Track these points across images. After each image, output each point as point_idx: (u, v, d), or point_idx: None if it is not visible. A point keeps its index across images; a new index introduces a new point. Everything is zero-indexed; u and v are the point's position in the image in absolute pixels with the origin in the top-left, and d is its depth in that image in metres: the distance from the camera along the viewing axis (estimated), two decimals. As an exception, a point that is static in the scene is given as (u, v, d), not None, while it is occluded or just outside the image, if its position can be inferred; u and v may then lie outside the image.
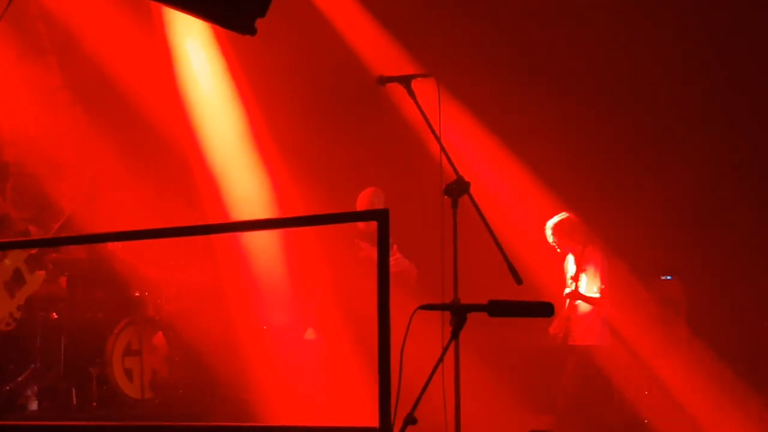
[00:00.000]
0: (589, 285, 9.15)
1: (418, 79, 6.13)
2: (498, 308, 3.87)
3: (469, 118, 10.65)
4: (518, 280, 5.58)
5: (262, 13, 2.96)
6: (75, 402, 9.08)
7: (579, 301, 9.14)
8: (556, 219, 9.25)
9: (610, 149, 10.75)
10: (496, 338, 9.51)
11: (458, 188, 5.79)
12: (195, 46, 10.33)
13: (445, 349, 4.03)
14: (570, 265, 9.36)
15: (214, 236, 9.53)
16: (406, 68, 9.84)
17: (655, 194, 10.29)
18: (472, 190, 5.84)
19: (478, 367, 8.48)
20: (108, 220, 9.04)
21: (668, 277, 10.04)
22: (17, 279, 8.61)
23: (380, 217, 3.79)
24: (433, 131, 5.90)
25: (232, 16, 2.94)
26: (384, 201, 8.82)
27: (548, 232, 9.26)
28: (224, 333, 9.76)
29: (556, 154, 10.56)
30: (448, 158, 5.90)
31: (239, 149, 10.39)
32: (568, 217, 9.27)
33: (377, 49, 10.62)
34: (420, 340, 4.80)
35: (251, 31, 2.97)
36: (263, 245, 9.93)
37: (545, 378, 9.79)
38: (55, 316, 9.27)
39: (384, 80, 6.23)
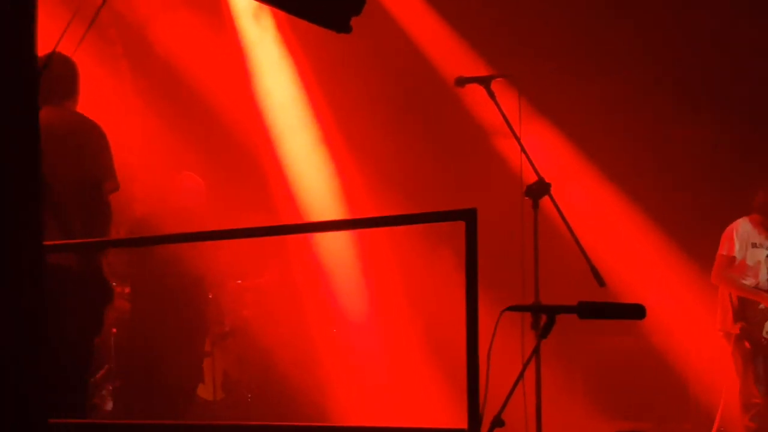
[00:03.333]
0: None
1: (497, 79, 6.12)
2: (588, 310, 3.82)
3: (545, 119, 10.58)
4: (601, 283, 5.53)
5: (357, 11, 2.96)
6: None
7: None
8: None
9: (696, 154, 10.57)
10: (574, 341, 9.45)
11: (539, 189, 5.76)
12: (266, 47, 10.35)
13: (533, 351, 4.00)
14: None
15: (287, 237, 9.55)
16: (479, 70, 9.82)
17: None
18: (551, 191, 5.81)
19: (556, 368, 8.44)
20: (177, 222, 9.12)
21: None
22: None
23: (467, 216, 3.76)
24: (513, 132, 5.88)
25: (328, 14, 2.93)
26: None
27: None
28: (296, 334, 9.77)
29: (635, 155, 10.45)
30: (529, 159, 5.87)
31: (312, 151, 10.41)
32: None
33: (448, 51, 10.59)
34: (497, 341, 4.78)
35: (347, 29, 2.98)
36: (336, 246, 9.93)
37: (625, 383, 9.72)
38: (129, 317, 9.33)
39: (463, 81, 6.20)
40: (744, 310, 8.67)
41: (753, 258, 8.74)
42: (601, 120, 10.54)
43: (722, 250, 8.83)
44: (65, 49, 4.78)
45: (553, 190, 5.91)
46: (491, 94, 5.98)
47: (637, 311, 3.80)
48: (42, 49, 2.60)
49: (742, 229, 8.80)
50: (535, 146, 10.36)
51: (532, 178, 5.87)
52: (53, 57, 6.00)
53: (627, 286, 9.39)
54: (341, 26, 2.92)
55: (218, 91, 9.97)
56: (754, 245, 8.76)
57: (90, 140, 6.09)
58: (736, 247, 8.75)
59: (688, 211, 9.94)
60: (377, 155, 10.40)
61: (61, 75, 6.25)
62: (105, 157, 6.07)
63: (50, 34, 3.32)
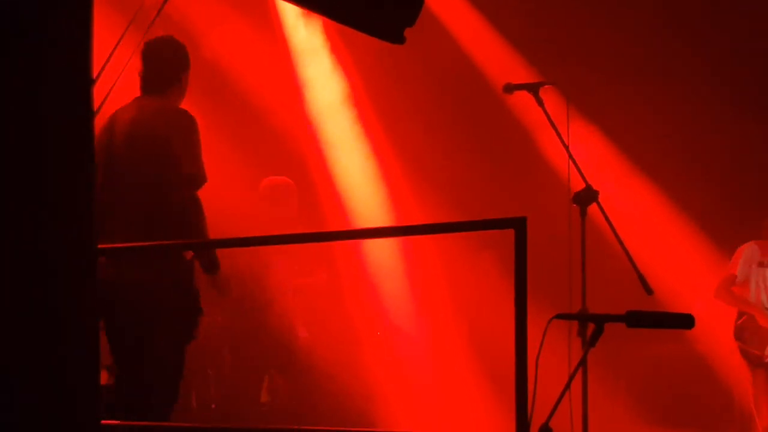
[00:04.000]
0: None
1: (546, 86, 6.13)
2: (637, 319, 3.81)
3: (594, 126, 10.56)
4: (648, 291, 5.53)
5: (411, 22, 2.98)
6: (195, 404, 9.20)
7: None
8: None
9: (746, 163, 10.50)
10: (619, 348, 9.41)
11: (587, 197, 5.77)
12: (316, 55, 10.39)
13: (582, 360, 4.00)
14: None
15: (333, 243, 9.57)
16: (527, 77, 9.82)
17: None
18: (599, 198, 5.82)
19: (601, 376, 8.41)
20: (227, 226, 9.16)
21: None
22: None
23: (517, 225, 3.77)
24: (561, 139, 5.89)
25: (382, 26, 2.96)
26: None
27: None
28: (342, 337, 9.79)
29: (684, 162, 10.40)
30: (577, 166, 5.87)
31: (360, 157, 10.44)
32: None
33: (497, 57, 10.60)
34: (544, 348, 4.78)
35: (400, 40, 3.00)
36: (383, 252, 9.95)
37: (670, 390, 9.69)
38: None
39: (511, 88, 6.23)
40: (741, 330, 8.92)
41: (756, 277, 8.93)
42: (650, 127, 10.51)
43: (728, 268, 9.06)
44: (120, 55, 4.76)
45: (601, 197, 5.91)
46: (539, 101, 6.00)
47: (685, 321, 3.80)
48: (97, 56, 2.63)
49: (749, 249, 8.99)
50: (584, 153, 10.47)
51: (580, 185, 5.87)
52: (155, 41, 6.10)
53: (674, 295, 9.36)
54: (395, 37, 2.94)
55: (267, 97, 10.02)
56: (760, 264, 8.96)
57: (169, 134, 5.78)
58: (740, 267, 8.93)
59: (736, 219, 9.86)
60: (425, 161, 10.41)
61: (163, 60, 6.14)
62: (183, 153, 5.75)
63: (106, 40, 3.36)
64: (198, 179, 5.75)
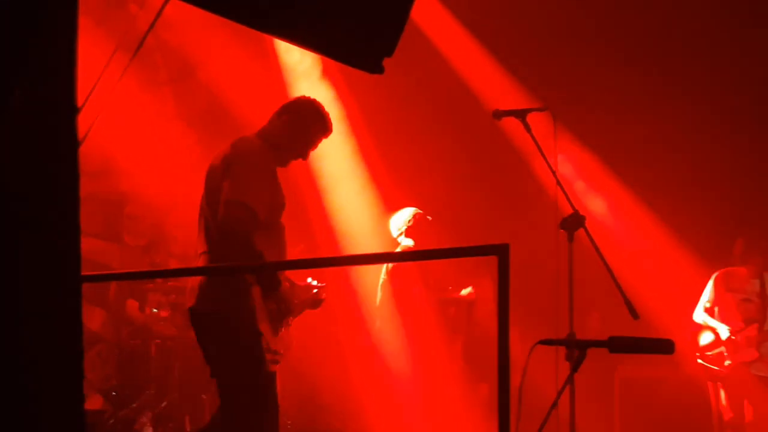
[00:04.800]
0: None
1: (534, 112, 6.17)
2: (619, 345, 3.85)
3: (585, 152, 10.62)
4: (635, 315, 5.54)
5: (389, 52, 2.99)
6: (188, 428, 9.21)
7: None
8: None
9: (739, 187, 10.55)
10: (609, 369, 9.46)
11: (574, 222, 5.79)
12: (309, 78, 10.44)
13: (564, 384, 4.03)
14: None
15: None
16: (520, 101, 9.88)
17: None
18: (587, 224, 5.84)
19: (592, 397, 8.41)
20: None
21: None
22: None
23: (500, 252, 3.80)
24: (549, 165, 5.91)
25: (360, 55, 2.97)
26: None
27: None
28: (332, 359, 9.82)
29: (674, 186, 10.45)
30: (564, 192, 5.90)
31: (352, 181, 10.48)
32: None
33: (491, 83, 10.65)
34: (533, 373, 4.80)
35: (379, 69, 3.01)
36: (375, 273, 9.98)
37: (659, 412, 9.72)
38: (170, 344, 9.42)
39: (499, 114, 6.27)
40: (703, 348, 9.43)
41: (725, 303, 9.39)
42: (642, 152, 10.56)
43: (703, 295, 9.54)
44: (109, 77, 4.78)
45: (591, 222, 5.95)
46: (527, 127, 6.03)
47: (666, 346, 3.84)
48: (85, 79, 2.65)
49: (720, 276, 9.49)
50: (572, 179, 10.52)
51: (568, 211, 5.91)
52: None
53: (664, 319, 9.41)
54: (373, 67, 2.95)
55: (261, 120, 10.05)
56: (728, 290, 9.40)
57: (235, 161, 5.89)
58: (709, 294, 9.48)
59: (728, 243, 9.92)
60: (419, 185, 10.45)
61: (284, 107, 6.34)
62: (238, 178, 5.79)
63: (95, 62, 3.39)
64: (238, 207, 5.69)
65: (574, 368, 3.93)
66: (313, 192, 10.39)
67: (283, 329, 5.98)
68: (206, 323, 5.82)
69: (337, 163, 10.43)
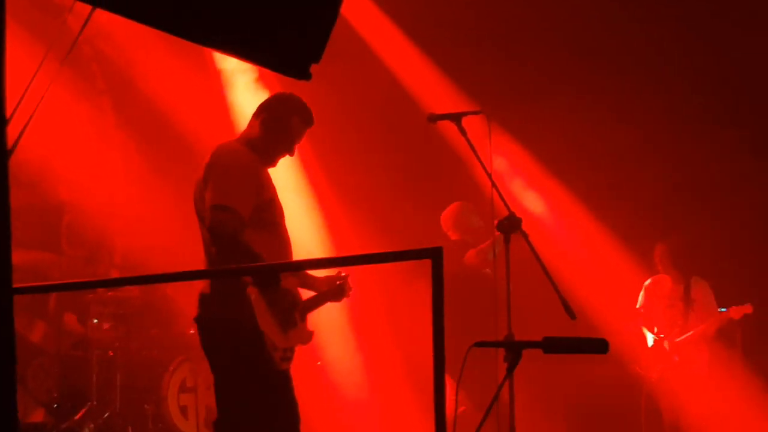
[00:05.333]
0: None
1: (469, 116, 6.20)
2: (553, 345, 3.88)
3: (522, 153, 10.68)
4: (572, 316, 5.59)
5: (316, 58, 2.98)
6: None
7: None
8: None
9: (677, 188, 10.68)
10: (550, 372, 9.51)
11: (510, 224, 5.84)
12: (245, 85, 10.41)
13: (500, 387, 4.05)
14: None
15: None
16: (458, 104, 9.92)
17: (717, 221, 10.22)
18: (523, 225, 5.88)
19: (532, 402, 8.46)
20: (161, 258, 9.16)
21: (722, 309, 9.96)
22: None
23: (434, 255, 3.81)
24: (484, 168, 5.95)
25: (286, 62, 2.96)
26: (475, 213, 8.93)
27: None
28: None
29: (613, 188, 10.55)
30: (500, 194, 5.94)
31: (292, 188, 10.44)
32: None
33: (428, 85, 10.68)
34: (473, 374, 4.84)
35: (306, 76, 3.00)
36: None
37: (603, 411, 9.81)
38: (111, 354, 9.37)
39: (434, 118, 6.30)
40: (639, 354, 9.66)
41: (655, 309, 9.60)
42: (580, 153, 10.63)
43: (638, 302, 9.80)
44: (40, 85, 4.75)
45: (531, 223, 6.00)
46: (462, 131, 6.06)
47: (600, 346, 3.86)
48: (15, 86, 2.63)
49: (650, 284, 9.72)
50: (510, 180, 10.58)
51: (504, 213, 5.94)
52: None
53: (606, 318, 9.51)
54: (300, 74, 2.94)
55: (199, 127, 10.02)
56: (657, 297, 9.65)
57: (212, 168, 5.89)
58: (640, 302, 9.69)
59: (645, 233, 10.07)
60: (355, 189, 10.46)
61: (261, 106, 6.29)
62: (216, 182, 5.79)
63: (28, 70, 3.36)
64: (220, 210, 5.67)
65: (510, 369, 3.95)
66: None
67: (296, 324, 5.93)
68: (208, 330, 5.82)
69: (276, 173, 10.39)
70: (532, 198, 10.63)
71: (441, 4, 10.47)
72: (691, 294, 9.56)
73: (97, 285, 9.40)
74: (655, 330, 9.47)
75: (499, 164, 9.89)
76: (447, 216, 9.01)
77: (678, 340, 9.42)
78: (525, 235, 5.79)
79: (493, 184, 5.91)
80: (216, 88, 10.41)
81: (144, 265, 9.40)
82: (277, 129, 6.17)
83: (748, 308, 9.37)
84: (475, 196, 8.80)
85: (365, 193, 10.43)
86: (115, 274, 10.36)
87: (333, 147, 10.32)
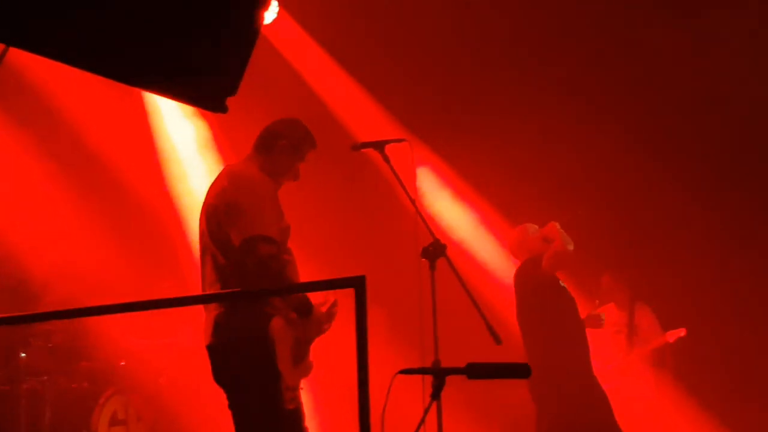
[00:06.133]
0: None
1: (393, 143, 6.22)
2: (476, 371, 3.91)
3: (451, 178, 10.74)
4: (497, 340, 5.64)
5: (232, 91, 3.00)
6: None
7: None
8: None
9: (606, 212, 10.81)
10: (480, 397, 9.55)
11: (435, 251, 5.85)
12: (173, 113, 10.36)
13: (425, 413, 4.07)
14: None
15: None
16: (386, 130, 9.96)
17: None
18: (449, 252, 5.90)
19: (462, 428, 8.50)
20: (88, 290, 9.07)
21: None
22: None
23: (357, 284, 3.82)
24: (408, 195, 5.97)
25: (202, 96, 2.98)
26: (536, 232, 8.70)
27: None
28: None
29: (542, 212, 10.63)
30: (424, 221, 5.96)
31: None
32: None
33: (356, 111, 10.71)
34: (401, 402, 4.85)
35: (222, 109, 3.01)
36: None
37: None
38: (40, 388, 9.25)
39: (358, 146, 6.33)
40: None
41: (601, 335, 9.56)
42: (505, 175, 10.69)
43: None
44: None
45: (458, 249, 6.04)
46: (386, 159, 6.09)
47: (522, 371, 3.91)
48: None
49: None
50: (441, 205, 10.63)
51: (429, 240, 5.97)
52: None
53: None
54: (216, 107, 2.96)
55: (125, 158, 9.97)
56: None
57: (236, 194, 5.88)
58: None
59: (590, 263, 10.16)
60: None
61: (266, 128, 6.32)
62: (242, 213, 5.79)
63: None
64: (263, 242, 5.66)
65: (433, 396, 3.97)
66: (176, 223, 10.28)
67: (304, 358, 5.89)
68: (224, 358, 5.75)
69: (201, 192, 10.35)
70: (460, 221, 10.67)
71: (369, 30, 10.51)
72: (635, 320, 9.74)
73: (31, 319, 9.27)
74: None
75: (427, 187, 9.97)
76: (511, 244, 8.80)
77: (622, 363, 9.63)
78: (450, 261, 5.81)
79: (417, 211, 5.94)
80: (141, 117, 10.34)
81: (72, 298, 9.29)
82: (292, 153, 6.23)
83: (682, 332, 9.62)
84: (402, 222, 8.80)
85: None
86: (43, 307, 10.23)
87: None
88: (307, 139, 6.30)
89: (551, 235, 8.02)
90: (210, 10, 2.82)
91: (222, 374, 5.80)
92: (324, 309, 6.08)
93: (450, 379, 4.00)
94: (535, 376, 7.68)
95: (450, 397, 5.19)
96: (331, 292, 6.24)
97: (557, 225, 8.01)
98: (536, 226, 8.42)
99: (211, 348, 5.78)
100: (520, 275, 8.15)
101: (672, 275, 10.60)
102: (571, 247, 7.81)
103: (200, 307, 8.30)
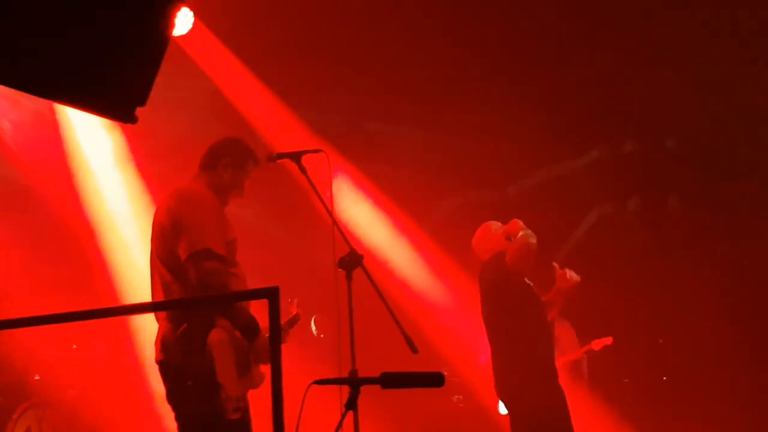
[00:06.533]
0: None
1: (309, 154, 6.24)
2: (390, 380, 3.93)
3: (367, 187, 10.75)
4: (413, 350, 5.65)
5: (142, 101, 2.99)
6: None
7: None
8: None
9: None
10: (412, 401, 9.60)
11: (351, 261, 5.87)
12: (87, 128, 10.23)
13: (340, 423, 4.07)
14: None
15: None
16: (303, 140, 9.94)
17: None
18: (366, 261, 5.91)
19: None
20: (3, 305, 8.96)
21: None
22: None
23: (271, 295, 3.82)
24: (325, 205, 6.00)
25: (111, 106, 2.96)
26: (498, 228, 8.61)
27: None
28: (129, 413, 9.67)
29: (460, 223, 10.68)
30: (341, 231, 5.98)
31: (134, 229, 10.30)
32: None
33: (273, 122, 10.68)
34: (321, 411, 4.85)
35: (132, 119, 3.00)
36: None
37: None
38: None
39: (274, 157, 6.34)
40: None
41: None
42: (429, 186, 10.74)
43: None
44: None
45: (375, 258, 6.05)
46: (302, 170, 6.11)
47: (436, 379, 3.93)
48: None
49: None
50: (360, 215, 10.64)
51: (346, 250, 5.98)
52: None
53: (456, 350, 9.64)
54: (125, 117, 2.94)
55: (40, 175, 9.85)
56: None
57: (181, 211, 6.00)
58: None
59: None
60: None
61: (216, 149, 6.43)
62: (187, 229, 5.90)
63: None
64: (207, 256, 5.78)
65: (348, 406, 3.97)
66: (90, 236, 10.16)
67: (250, 369, 5.98)
68: (169, 374, 5.88)
69: (117, 205, 10.25)
70: (377, 230, 10.68)
71: (286, 40, 10.49)
72: (555, 332, 9.82)
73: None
74: None
75: (344, 196, 9.96)
76: (474, 242, 8.70)
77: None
78: (367, 271, 5.83)
79: (334, 222, 5.96)
80: (54, 130, 10.19)
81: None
82: (237, 172, 6.39)
83: (608, 340, 9.76)
84: (320, 233, 8.79)
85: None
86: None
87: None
88: (250, 156, 6.47)
89: (513, 231, 8.03)
90: (116, 21, 2.80)
91: (170, 390, 5.91)
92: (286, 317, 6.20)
93: (369, 389, 4.02)
94: (500, 376, 7.78)
95: (369, 406, 5.22)
96: (293, 306, 6.40)
97: (519, 221, 8.02)
98: (499, 224, 8.43)
99: (159, 364, 5.92)
100: (484, 273, 8.16)
101: (600, 287, 10.70)
102: (533, 241, 7.82)
103: (115, 319, 8.27)
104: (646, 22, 9.95)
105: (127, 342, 9.67)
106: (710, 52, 10.18)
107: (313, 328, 8.55)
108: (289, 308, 6.55)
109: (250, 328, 5.85)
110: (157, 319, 6.03)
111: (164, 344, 5.87)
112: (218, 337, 5.75)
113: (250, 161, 6.46)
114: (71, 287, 9.55)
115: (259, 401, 5.64)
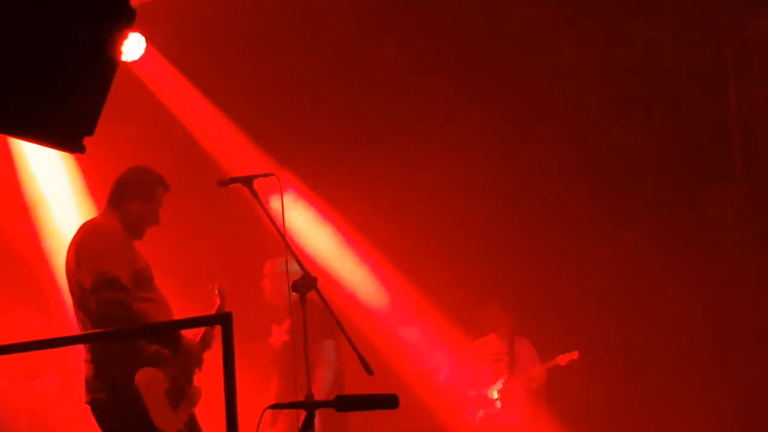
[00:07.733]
0: None
1: (261, 178, 6.25)
2: (345, 403, 3.94)
3: (321, 208, 10.73)
4: (369, 371, 5.66)
5: (90, 131, 2.97)
6: None
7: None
8: None
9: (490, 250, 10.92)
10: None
11: (305, 284, 5.88)
12: (40, 154, 10.14)
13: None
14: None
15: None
16: (257, 164, 9.91)
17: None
18: (320, 284, 5.91)
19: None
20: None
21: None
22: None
23: (224, 321, 3.82)
24: (277, 229, 6.00)
25: (58, 137, 2.94)
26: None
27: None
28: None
29: (428, 247, 10.69)
30: (294, 255, 6.00)
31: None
32: None
33: (226, 146, 10.65)
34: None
35: (80, 149, 2.98)
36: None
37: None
38: None
39: (226, 182, 6.35)
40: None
41: (480, 363, 10.23)
42: (384, 208, 10.71)
43: None
44: None
45: (329, 280, 6.06)
46: (254, 194, 6.12)
47: (390, 401, 3.94)
48: None
49: (475, 344, 10.35)
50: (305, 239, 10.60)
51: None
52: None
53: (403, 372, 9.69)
54: (73, 147, 2.93)
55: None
56: (483, 353, 10.32)
57: (81, 244, 6.02)
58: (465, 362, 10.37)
59: (469, 292, 10.28)
60: (152, 251, 10.29)
61: (122, 181, 6.35)
62: (86, 261, 5.89)
63: None
64: (103, 287, 5.73)
65: (303, 429, 3.98)
66: (42, 264, 10.07)
67: (186, 395, 5.98)
68: (98, 414, 5.84)
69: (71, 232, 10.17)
70: (331, 251, 10.65)
71: (237, 64, 10.49)
72: (515, 350, 9.90)
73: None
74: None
75: (297, 219, 9.92)
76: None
77: (501, 389, 9.77)
78: (321, 294, 5.84)
79: (287, 245, 5.97)
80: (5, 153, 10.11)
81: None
82: (147, 201, 6.33)
83: (574, 355, 9.76)
84: (273, 256, 8.78)
85: (162, 259, 10.29)
86: None
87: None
88: (159, 183, 6.41)
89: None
90: (61, 47, 2.78)
91: (104, 429, 5.85)
92: (197, 339, 6.11)
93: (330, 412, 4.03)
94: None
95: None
96: (215, 295, 6.45)
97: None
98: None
99: (89, 404, 5.90)
100: None
101: (560, 299, 10.72)
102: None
103: (66, 349, 8.21)
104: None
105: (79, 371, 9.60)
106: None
107: None
108: (211, 296, 6.46)
109: (172, 341, 5.82)
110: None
111: (88, 385, 5.87)
112: (145, 375, 5.73)
113: (159, 188, 6.39)
114: (26, 315, 9.46)
115: (213, 427, 5.62)
